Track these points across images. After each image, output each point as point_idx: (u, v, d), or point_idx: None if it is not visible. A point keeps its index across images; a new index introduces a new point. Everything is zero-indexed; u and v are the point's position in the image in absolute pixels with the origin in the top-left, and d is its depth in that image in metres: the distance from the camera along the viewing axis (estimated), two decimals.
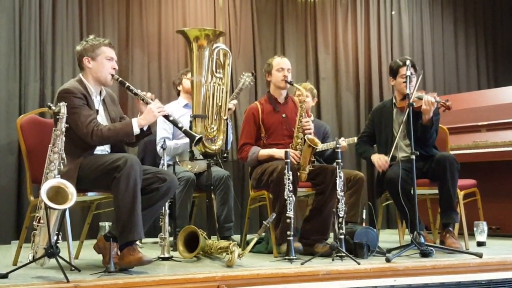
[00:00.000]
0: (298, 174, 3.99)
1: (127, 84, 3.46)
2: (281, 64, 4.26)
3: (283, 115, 4.26)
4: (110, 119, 3.51)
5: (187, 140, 4.07)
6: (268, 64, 4.33)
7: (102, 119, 3.47)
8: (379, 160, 4.26)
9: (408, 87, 3.93)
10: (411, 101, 4.06)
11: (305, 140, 4.01)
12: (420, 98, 4.14)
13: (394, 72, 4.36)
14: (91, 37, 3.52)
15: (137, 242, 3.21)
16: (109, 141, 3.40)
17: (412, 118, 3.87)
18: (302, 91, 4.19)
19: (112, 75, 3.46)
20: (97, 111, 3.46)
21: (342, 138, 4.70)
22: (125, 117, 3.68)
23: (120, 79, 3.47)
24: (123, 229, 3.12)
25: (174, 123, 3.47)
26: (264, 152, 4.15)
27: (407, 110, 3.87)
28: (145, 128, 3.46)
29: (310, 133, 4.08)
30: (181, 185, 4.39)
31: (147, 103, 3.40)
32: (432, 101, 4.07)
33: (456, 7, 7.52)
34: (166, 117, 3.44)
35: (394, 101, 4.42)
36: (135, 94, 3.43)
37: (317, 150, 4.43)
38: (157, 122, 4.09)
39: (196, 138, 3.45)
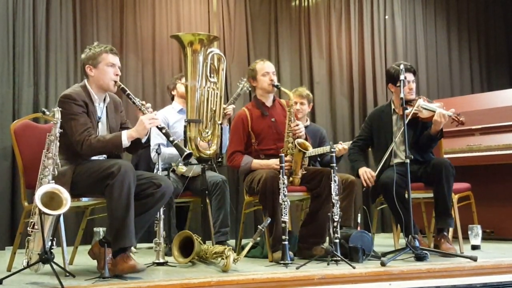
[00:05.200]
0: (291, 179, 3.99)
1: (128, 91, 3.44)
2: (266, 68, 4.25)
3: (272, 119, 4.25)
4: (109, 128, 3.50)
5: None
6: (251, 69, 4.32)
7: (103, 126, 3.47)
8: (365, 174, 4.28)
9: (402, 91, 3.93)
10: (414, 108, 4.09)
11: (295, 144, 4.00)
12: (430, 110, 4.15)
13: (394, 79, 4.31)
14: (95, 44, 3.52)
15: (131, 248, 3.21)
16: (98, 152, 3.35)
17: (412, 126, 3.89)
18: (290, 94, 4.17)
19: (115, 82, 3.44)
20: (99, 118, 3.45)
21: (340, 142, 4.71)
22: (127, 122, 3.67)
23: (122, 86, 3.46)
24: (116, 236, 3.12)
25: (166, 136, 3.42)
26: (257, 163, 4.13)
27: (408, 115, 3.88)
28: (143, 140, 3.44)
29: (300, 137, 4.07)
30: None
31: (143, 113, 3.39)
32: (445, 114, 4.08)
33: (449, 11, 7.55)
34: (159, 128, 3.40)
35: (393, 106, 4.42)
36: (133, 102, 3.41)
37: (312, 154, 4.43)
38: (151, 129, 4.05)
39: (185, 153, 3.38)
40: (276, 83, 4.23)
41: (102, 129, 3.46)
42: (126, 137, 3.29)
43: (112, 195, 3.10)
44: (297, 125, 4.08)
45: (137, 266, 3.07)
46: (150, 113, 3.37)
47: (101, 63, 3.42)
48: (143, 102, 3.43)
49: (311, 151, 4.17)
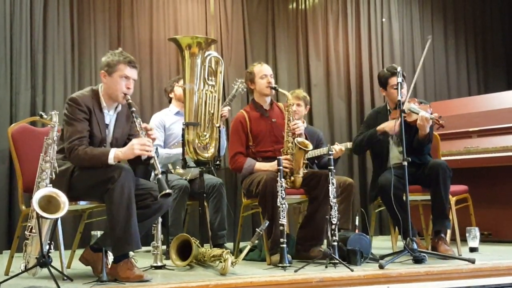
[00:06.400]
0: (292, 179, 4.00)
1: (133, 108, 3.36)
2: (264, 71, 4.27)
3: (273, 120, 4.26)
4: (114, 137, 3.45)
5: (179, 150, 4.07)
6: (249, 72, 4.34)
7: (109, 134, 3.44)
8: (387, 124, 4.22)
9: (400, 94, 3.94)
10: (404, 109, 4.09)
11: (295, 143, 4.01)
12: (415, 112, 4.15)
13: (383, 83, 4.37)
14: (118, 50, 3.44)
15: (131, 252, 3.20)
16: (84, 164, 3.24)
17: (406, 128, 3.87)
18: (287, 95, 4.20)
19: (125, 94, 3.36)
20: (107, 125, 3.42)
21: (337, 143, 4.71)
22: (137, 135, 3.50)
23: (130, 101, 3.38)
24: (118, 241, 3.10)
25: (152, 167, 3.29)
26: (260, 166, 4.12)
27: (402, 117, 3.88)
28: (143, 158, 3.35)
29: (299, 134, 4.08)
30: (175, 193, 4.38)
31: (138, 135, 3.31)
32: (427, 118, 4.09)
33: (446, 13, 7.57)
34: (148, 158, 3.29)
35: (388, 108, 4.44)
36: (133, 121, 3.34)
37: (310, 157, 4.43)
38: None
39: (164, 192, 3.19)
40: (273, 85, 4.25)
41: (107, 137, 3.43)
42: (113, 156, 3.20)
43: (113, 200, 3.08)
44: (295, 123, 4.09)
45: (144, 276, 3.04)
46: (146, 139, 3.26)
47: (116, 73, 3.35)
48: (144, 124, 3.35)
49: (311, 149, 4.16)
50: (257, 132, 4.23)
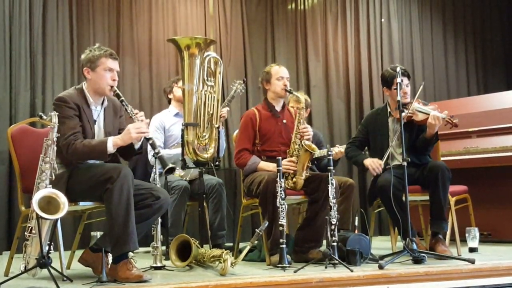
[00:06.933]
0: (294, 180, 4.00)
1: (122, 98, 3.40)
2: (281, 73, 4.28)
3: (284, 121, 4.27)
4: (106, 132, 3.47)
5: (179, 150, 4.07)
6: (266, 72, 4.33)
7: (99, 130, 3.44)
8: (373, 163, 4.23)
9: (399, 94, 3.94)
10: (409, 111, 4.09)
11: (302, 145, 4.02)
12: (426, 112, 4.16)
13: (388, 82, 4.33)
14: (96, 46, 3.47)
15: (130, 253, 3.20)
16: (82, 158, 3.29)
17: (408, 128, 3.88)
18: (300, 98, 4.21)
19: (111, 87, 3.39)
20: (95, 121, 3.42)
21: (337, 146, 4.71)
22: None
23: (117, 91, 3.41)
24: (117, 241, 3.10)
25: (152, 147, 3.35)
26: (264, 165, 4.12)
27: (401, 117, 3.88)
28: (136, 147, 3.42)
29: (308, 139, 4.09)
30: (175, 193, 4.38)
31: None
32: (439, 117, 4.09)
33: (445, 14, 7.57)
34: (146, 139, 3.36)
35: (388, 109, 4.43)
36: (125, 109, 3.39)
37: (314, 157, 4.44)
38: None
39: (168, 167, 3.30)
40: (289, 88, 4.25)
41: (99, 132, 3.44)
42: (111, 144, 3.24)
43: (112, 200, 3.08)
44: (305, 127, 4.11)
45: (143, 277, 3.04)
46: (141, 122, 3.32)
47: (99, 67, 3.37)
48: (136, 111, 3.39)
49: (317, 152, 4.18)
50: (265, 131, 4.23)
